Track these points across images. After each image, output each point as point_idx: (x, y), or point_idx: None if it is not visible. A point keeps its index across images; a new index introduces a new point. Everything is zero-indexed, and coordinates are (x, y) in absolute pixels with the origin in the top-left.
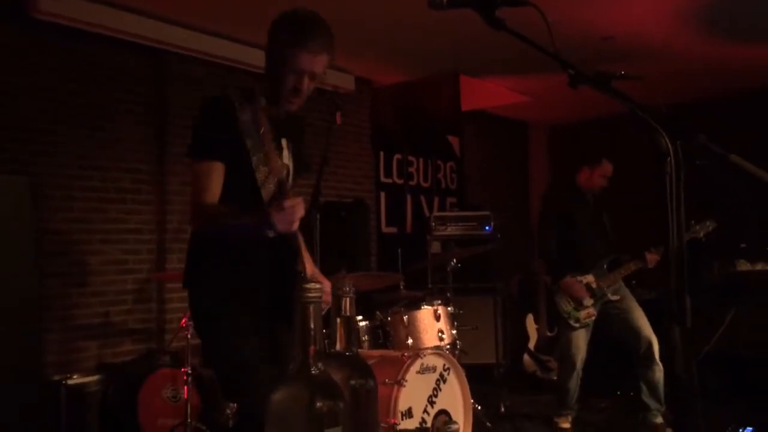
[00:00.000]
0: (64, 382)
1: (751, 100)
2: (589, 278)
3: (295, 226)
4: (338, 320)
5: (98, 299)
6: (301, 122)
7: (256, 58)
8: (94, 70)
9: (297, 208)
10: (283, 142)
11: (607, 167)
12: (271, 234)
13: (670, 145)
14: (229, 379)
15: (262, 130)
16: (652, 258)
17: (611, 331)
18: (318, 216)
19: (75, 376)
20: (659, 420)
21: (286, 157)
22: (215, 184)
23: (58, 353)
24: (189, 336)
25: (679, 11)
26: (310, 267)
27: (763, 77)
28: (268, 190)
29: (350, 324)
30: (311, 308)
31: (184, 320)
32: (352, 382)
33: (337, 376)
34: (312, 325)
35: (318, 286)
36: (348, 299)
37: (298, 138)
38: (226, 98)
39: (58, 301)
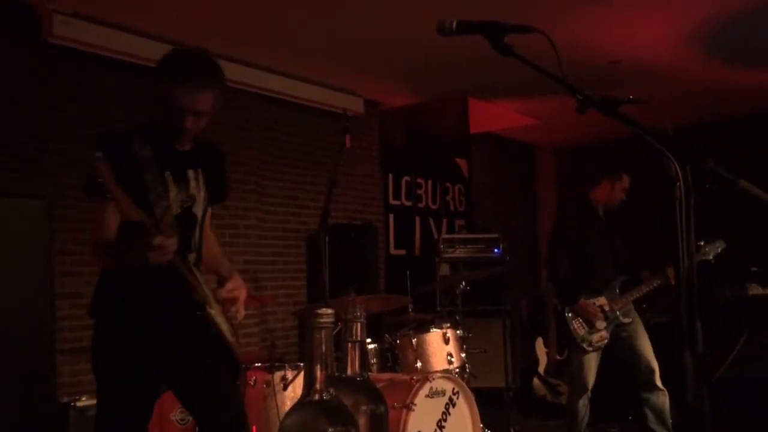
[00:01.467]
0: (73, 404)
1: (756, 123)
2: (602, 300)
3: (170, 257)
4: (349, 345)
5: None
6: (215, 150)
7: (267, 81)
8: (107, 92)
9: (165, 243)
10: (190, 173)
11: (626, 181)
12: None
13: (679, 170)
14: (100, 409)
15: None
16: (672, 273)
17: (618, 354)
18: (327, 238)
19: (84, 398)
20: None
21: (194, 187)
22: (111, 222)
23: (68, 375)
24: None
25: (685, 36)
26: (227, 269)
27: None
28: (165, 225)
29: (362, 349)
30: (322, 333)
31: None
32: (364, 407)
33: (348, 402)
34: (323, 350)
35: (329, 311)
36: (359, 324)
37: (212, 166)
38: (122, 135)
39: (68, 323)
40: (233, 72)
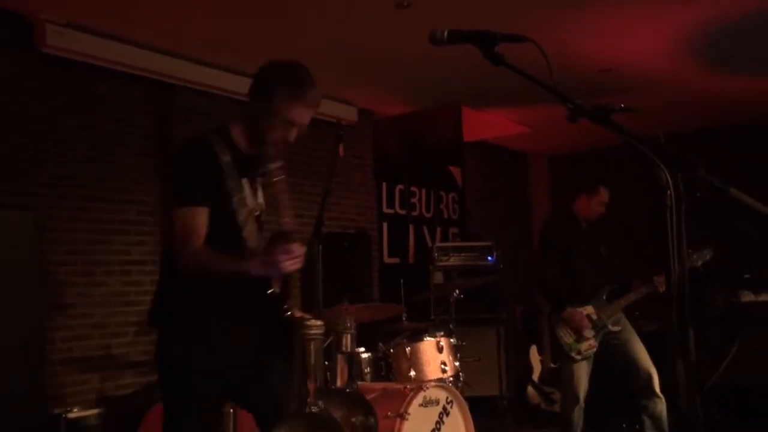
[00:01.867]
0: (64, 415)
1: (746, 131)
2: (589, 309)
3: (299, 265)
4: (339, 356)
5: (100, 331)
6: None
7: None
8: (100, 102)
9: (298, 251)
10: (259, 180)
11: (604, 194)
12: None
13: (669, 179)
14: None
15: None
16: (660, 281)
17: (612, 363)
18: (320, 247)
19: (75, 410)
20: None
21: (261, 196)
22: (202, 228)
23: (60, 386)
24: None
25: (676, 44)
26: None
27: (759, 108)
28: (248, 231)
29: (351, 360)
30: (312, 345)
31: None
32: (354, 419)
33: (337, 414)
34: (313, 362)
35: (319, 323)
36: (349, 335)
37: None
38: (207, 141)
39: (59, 333)
40: (227, 82)
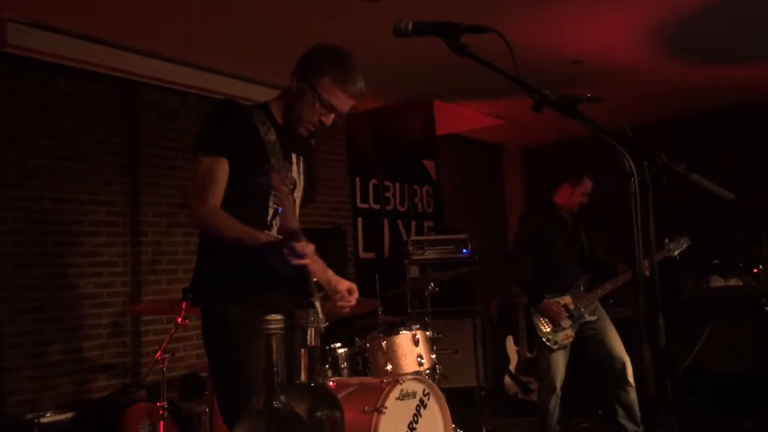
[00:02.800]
0: (37, 420)
1: (717, 120)
2: (567, 299)
3: (308, 262)
4: (302, 351)
5: (72, 334)
6: (311, 143)
7: (231, 88)
8: (67, 102)
9: (309, 250)
10: (293, 157)
11: (587, 185)
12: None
13: (633, 167)
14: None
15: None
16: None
17: (587, 352)
18: None
19: (48, 414)
20: None
21: (296, 172)
22: (221, 181)
23: (32, 390)
24: (164, 369)
25: (645, 35)
26: (321, 267)
27: (727, 97)
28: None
29: (314, 355)
30: (273, 340)
31: (159, 353)
32: (318, 413)
33: (301, 408)
34: (274, 357)
35: (279, 317)
36: (312, 330)
37: (309, 157)
38: (248, 113)
39: (30, 337)
40: (195, 78)
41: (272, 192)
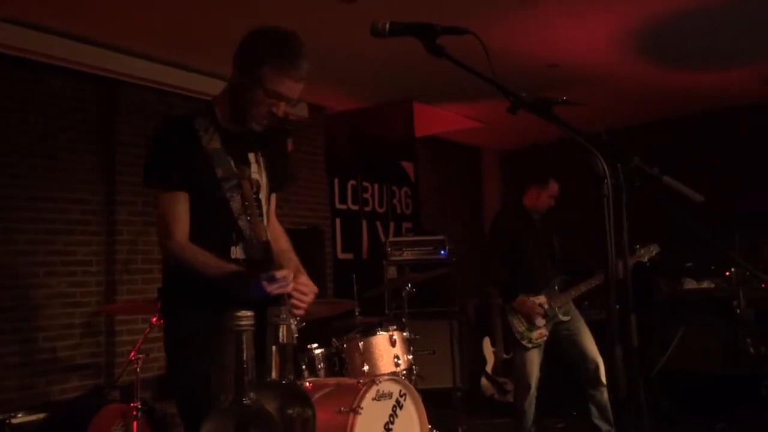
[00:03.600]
0: (8, 421)
1: (691, 124)
2: (541, 299)
3: (288, 289)
4: (273, 348)
5: (44, 334)
6: (278, 129)
7: (207, 86)
8: (42, 99)
9: (289, 278)
10: (251, 156)
11: (554, 187)
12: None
13: (606, 169)
14: (193, 409)
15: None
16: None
17: (562, 352)
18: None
19: (20, 415)
20: None
21: (256, 171)
22: (183, 216)
23: (3, 391)
24: (138, 370)
25: (620, 39)
26: (295, 266)
27: (701, 102)
28: (243, 221)
29: (285, 352)
30: (243, 337)
31: (132, 353)
32: (289, 411)
33: (271, 406)
34: (243, 354)
35: (249, 314)
36: (284, 327)
37: (274, 148)
38: (190, 124)
39: (2, 336)
40: (174, 77)
41: (237, 213)
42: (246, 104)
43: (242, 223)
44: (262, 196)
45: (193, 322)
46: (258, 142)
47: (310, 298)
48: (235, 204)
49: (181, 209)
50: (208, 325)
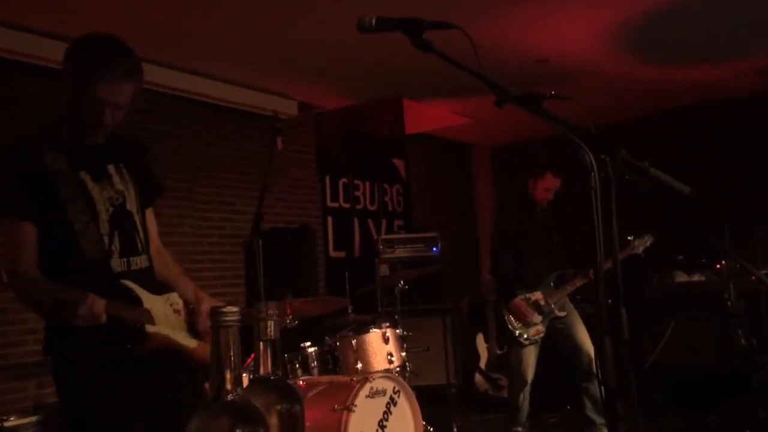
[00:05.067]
0: (1, 424)
1: (679, 118)
2: (538, 295)
3: (102, 318)
4: (261, 344)
5: (34, 337)
6: (133, 143)
7: (196, 85)
8: (28, 100)
9: (93, 311)
10: (110, 168)
11: (549, 180)
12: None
13: (594, 161)
14: None
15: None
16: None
17: (557, 347)
18: (260, 242)
19: (12, 418)
20: None
21: (119, 182)
22: (30, 242)
23: None
24: None
25: (609, 35)
26: (192, 291)
27: (692, 95)
28: (88, 239)
29: (274, 347)
30: (228, 332)
31: None
32: (278, 406)
33: (259, 402)
34: (229, 350)
35: (234, 309)
36: (271, 322)
37: (134, 160)
38: (33, 147)
39: None
40: (161, 76)
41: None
42: (79, 116)
43: (84, 243)
44: (132, 206)
45: (78, 358)
46: (115, 154)
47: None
48: (79, 225)
49: (25, 241)
50: (96, 360)
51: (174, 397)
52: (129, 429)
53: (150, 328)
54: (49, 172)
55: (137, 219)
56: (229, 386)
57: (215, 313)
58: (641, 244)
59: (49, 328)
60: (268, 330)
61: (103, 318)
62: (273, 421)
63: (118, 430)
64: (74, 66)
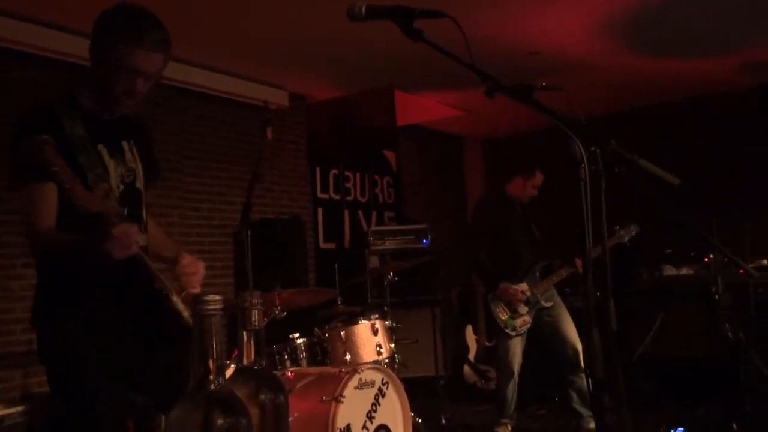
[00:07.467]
0: None
1: (670, 111)
2: (523, 286)
3: (134, 249)
4: (244, 333)
5: (21, 326)
6: (140, 122)
7: (187, 74)
8: (8, 87)
9: (129, 232)
10: (124, 144)
11: (539, 178)
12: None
13: (584, 153)
14: (80, 417)
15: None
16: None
17: (543, 338)
18: (249, 233)
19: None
20: (592, 425)
21: (131, 160)
22: (49, 207)
23: None
24: None
25: (602, 26)
26: (172, 249)
27: (682, 89)
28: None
29: (257, 337)
30: (211, 321)
31: None
32: (261, 396)
33: (242, 392)
34: (211, 339)
35: (218, 298)
36: (256, 311)
37: (141, 139)
38: (51, 108)
39: None
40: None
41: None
42: (107, 84)
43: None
44: (141, 184)
45: (74, 324)
46: (127, 131)
47: (199, 275)
48: (99, 192)
49: (45, 202)
50: (90, 326)
51: (168, 360)
52: (117, 391)
53: (174, 298)
54: (66, 135)
55: (143, 196)
56: (211, 376)
57: (198, 302)
58: (627, 234)
59: (45, 289)
60: (253, 319)
61: (135, 248)
62: (255, 411)
63: (107, 392)
64: (109, 34)
